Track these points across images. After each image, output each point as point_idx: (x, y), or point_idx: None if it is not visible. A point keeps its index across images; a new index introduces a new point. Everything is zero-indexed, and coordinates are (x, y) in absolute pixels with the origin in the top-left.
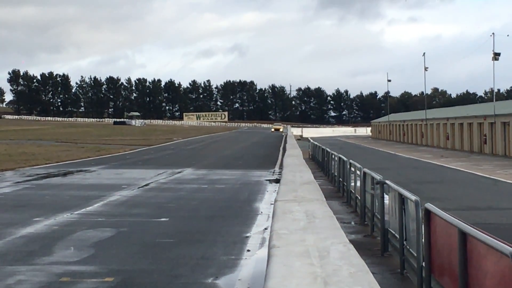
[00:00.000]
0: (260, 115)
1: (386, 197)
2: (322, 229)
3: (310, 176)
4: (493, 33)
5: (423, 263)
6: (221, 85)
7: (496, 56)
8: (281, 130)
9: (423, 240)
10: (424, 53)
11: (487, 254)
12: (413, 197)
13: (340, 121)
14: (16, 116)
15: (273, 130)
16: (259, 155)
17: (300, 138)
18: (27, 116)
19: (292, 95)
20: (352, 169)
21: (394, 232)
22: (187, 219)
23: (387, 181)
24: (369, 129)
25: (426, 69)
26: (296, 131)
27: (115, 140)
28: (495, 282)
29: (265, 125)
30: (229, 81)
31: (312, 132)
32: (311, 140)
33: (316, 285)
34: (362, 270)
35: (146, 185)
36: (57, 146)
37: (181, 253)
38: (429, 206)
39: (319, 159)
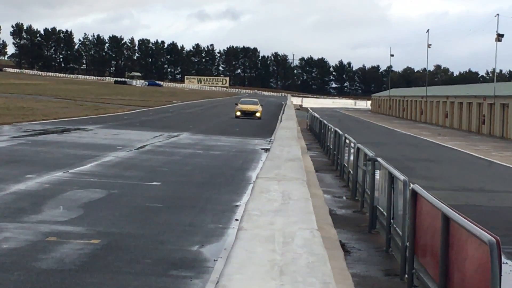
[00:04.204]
0: (261, 82)
1: (379, 173)
2: (294, 212)
3: (297, 151)
4: (497, 14)
5: (408, 243)
6: (224, 50)
7: (500, 37)
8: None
9: (409, 220)
10: (428, 30)
11: (468, 240)
12: (402, 177)
13: (341, 93)
14: (18, 70)
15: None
16: (257, 123)
17: (299, 108)
18: (29, 71)
19: (294, 64)
20: (347, 142)
21: (382, 210)
22: (179, 184)
23: (379, 159)
24: (369, 102)
25: (429, 45)
26: (296, 100)
27: (115, 100)
28: (474, 267)
29: (265, 93)
30: (232, 46)
31: (312, 103)
32: (310, 111)
33: (273, 273)
34: (320, 261)
35: (142, 147)
36: (56, 102)
37: (169, 219)
38: (416, 187)
39: (316, 131)
